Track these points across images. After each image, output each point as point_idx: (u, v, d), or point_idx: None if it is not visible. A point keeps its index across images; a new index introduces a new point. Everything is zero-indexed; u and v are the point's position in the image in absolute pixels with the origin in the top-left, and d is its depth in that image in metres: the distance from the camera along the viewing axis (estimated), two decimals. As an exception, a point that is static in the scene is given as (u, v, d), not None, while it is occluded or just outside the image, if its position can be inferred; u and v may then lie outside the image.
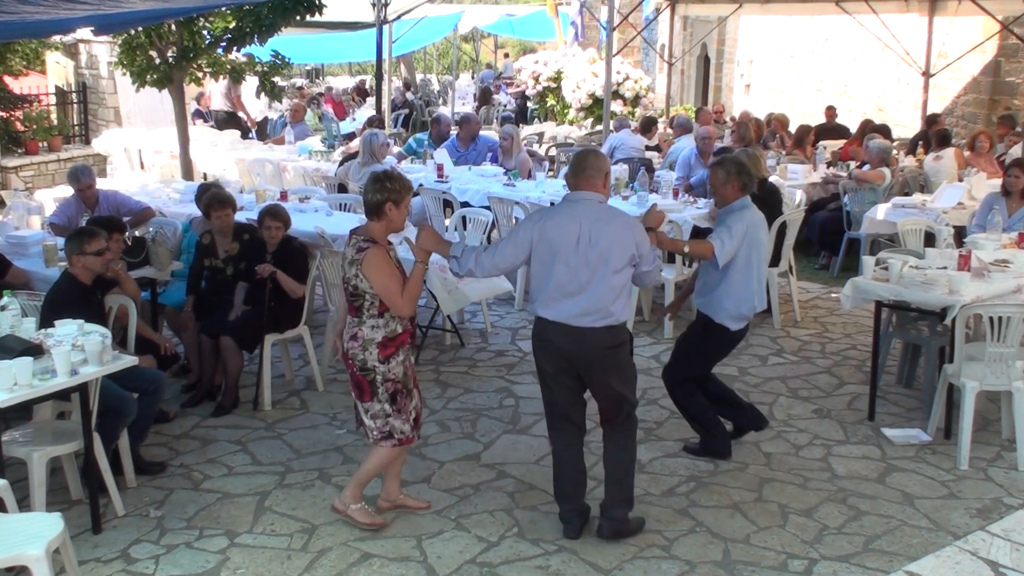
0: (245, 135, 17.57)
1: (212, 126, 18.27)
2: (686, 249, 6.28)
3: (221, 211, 7.78)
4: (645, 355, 8.44)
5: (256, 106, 18.84)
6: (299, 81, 29.58)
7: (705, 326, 6.44)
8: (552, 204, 10.28)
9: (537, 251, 5.28)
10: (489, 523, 5.71)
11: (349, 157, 12.64)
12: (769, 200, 9.37)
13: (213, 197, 7.91)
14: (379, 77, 19.99)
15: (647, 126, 16.09)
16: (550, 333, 5.32)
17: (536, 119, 24.07)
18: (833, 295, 10.55)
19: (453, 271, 5.54)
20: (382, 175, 5.34)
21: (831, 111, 17.24)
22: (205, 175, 15.51)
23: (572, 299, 5.22)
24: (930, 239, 9.15)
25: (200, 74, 13.14)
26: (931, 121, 15.21)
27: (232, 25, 12.26)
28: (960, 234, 9.27)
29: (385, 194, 5.22)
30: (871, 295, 7.04)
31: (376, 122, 15.28)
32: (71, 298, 6.15)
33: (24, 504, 5.33)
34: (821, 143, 14.89)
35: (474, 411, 7.39)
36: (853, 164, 12.91)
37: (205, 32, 12.58)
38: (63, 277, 6.37)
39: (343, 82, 32.48)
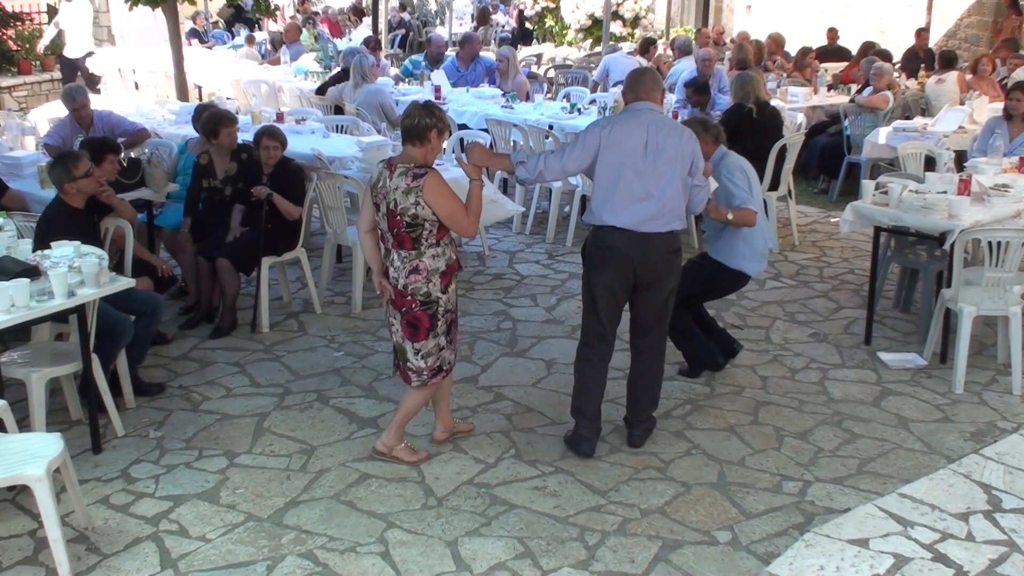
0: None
1: (209, 47, 18.08)
2: (730, 216, 6.22)
3: (231, 127, 7.76)
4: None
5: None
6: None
7: (717, 269, 6.45)
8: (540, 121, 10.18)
9: (604, 156, 5.33)
10: (486, 445, 5.75)
11: (335, 80, 12.48)
12: (770, 123, 9.31)
13: (221, 115, 7.86)
14: (375, -4, 19.75)
15: (646, 46, 15.90)
16: (616, 240, 5.35)
17: (535, 40, 23.81)
18: (832, 219, 10.54)
19: (521, 177, 5.55)
20: (429, 103, 5.25)
21: (832, 33, 17.03)
22: (200, 90, 15.40)
23: (640, 205, 5.31)
24: (930, 163, 9.10)
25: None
26: (918, 34, 15.12)
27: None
28: (961, 158, 9.21)
29: (433, 120, 5.10)
30: (870, 219, 7.02)
31: (373, 43, 15.09)
32: (63, 223, 6.05)
33: (24, 425, 5.36)
34: (822, 65, 14.74)
35: (472, 334, 7.40)
36: (854, 87, 12.79)
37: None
38: (54, 202, 6.29)
39: (339, 1, 32.03)
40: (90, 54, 16.25)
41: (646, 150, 5.30)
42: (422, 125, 5.09)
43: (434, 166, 5.23)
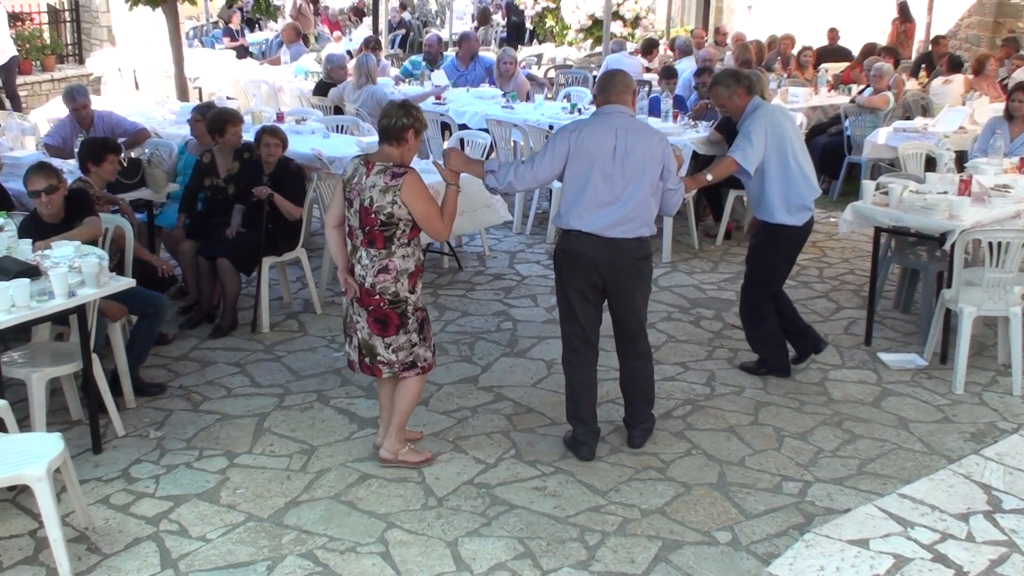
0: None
1: (244, 45, 18.17)
2: (709, 177, 6.21)
3: (238, 125, 7.80)
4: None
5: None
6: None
7: (768, 230, 6.39)
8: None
9: (573, 161, 5.28)
10: (487, 445, 5.75)
11: (328, 84, 12.46)
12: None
13: (227, 112, 7.90)
14: (376, -4, 19.76)
15: (648, 47, 15.92)
16: (583, 245, 5.32)
17: (535, 40, 23.81)
18: (832, 219, 10.53)
19: (490, 186, 5.50)
20: (406, 103, 5.21)
21: (833, 33, 17.03)
22: (200, 90, 15.39)
23: (606, 209, 5.26)
24: (931, 163, 9.10)
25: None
26: (935, 42, 15.15)
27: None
28: (961, 158, 9.21)
29: (411, 120, 5.07)
30: (871, 220, 7.02)
31: (373, 43, 15.10)
32: (33, 235, 5.90)
33: (24, 425, 5.36)
34: (823, 66, 14.74)
35: (472, 334, 7.40)
36: (855, 88, 12.79)
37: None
38: (29, 213, 6.24)
39: (339, 1, 32.02)
40: (13, 58, 15.89)
41: (615, 154, 5.25)
42: (400, 125, 5.06)
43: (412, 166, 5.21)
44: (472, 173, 5.57)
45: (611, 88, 5.45)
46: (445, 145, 10.53)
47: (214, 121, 7.79)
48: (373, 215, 5.03)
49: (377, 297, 5.13)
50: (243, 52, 17.61)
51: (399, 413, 5.43)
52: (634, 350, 5.63)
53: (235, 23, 20.00)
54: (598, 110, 5.51)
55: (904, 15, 18.07)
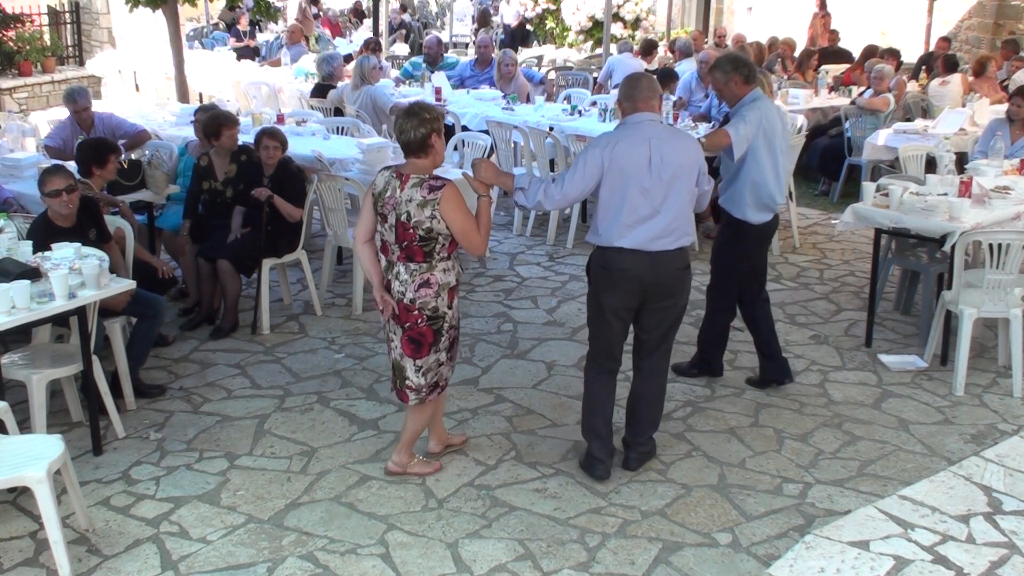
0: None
1: (253, 45, 18.19)
2: (702, 141, 6.10)
3: (233, 128, 7.76)
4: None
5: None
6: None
7: (731, 227, 6.33)
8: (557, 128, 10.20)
9: (608, 177, 5.11)
10: (487, 447, 5.75)
11: (325, 86, 12.46)
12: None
13: (222, 116, 7.87)
14: (376, -3, 19.78)
15: (648, 49, 15.92)
16: (625, 262, 5.15)
17: (536, 42, 23.82)
18: (832, 221, 10.53)
19: (519, 203, 5.34)
20: (415, 107, 5.00)
21: (834, 35, 17.04)
22: (200, 93, 15.41)
23: (647, 223, 5.11)
24: (931, 165, 9.10)
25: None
26: (940, 42, 15.33)
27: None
28: (961, 160, 9.21)
29: (428, 126, 4.88)
30: (871, 221, 7.02)
31: (373, 44, 15.10)
32: (44, 239, 5.87)
33: (24, 426, 5.35)
34: (823, 67, 14.75)
35: (472, 336, 7.40)
36: (856, 90, 12.80)
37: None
38: (39, 216, 6.26)
39: (339, 3, 32.02)
40: None
41: (650, 166, 5.08)
42: (420, 136, 4.88)
43: (444, 175, 5.09)
44: (502, 186, 5.41)
45: (638, 94, 5.25)
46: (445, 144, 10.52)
47: (209, 125, 7.78)
48: (412, 230, 4.87)
49: (416, 313, 4.98)
50: (251, 54, 17.62)
51: (410, 431, 5.37)
52: (654, 366, 5.47)
53: (243, 24, 20.06)
54: (627, 120, 5.29)
55: (823, 7, 18.67)
